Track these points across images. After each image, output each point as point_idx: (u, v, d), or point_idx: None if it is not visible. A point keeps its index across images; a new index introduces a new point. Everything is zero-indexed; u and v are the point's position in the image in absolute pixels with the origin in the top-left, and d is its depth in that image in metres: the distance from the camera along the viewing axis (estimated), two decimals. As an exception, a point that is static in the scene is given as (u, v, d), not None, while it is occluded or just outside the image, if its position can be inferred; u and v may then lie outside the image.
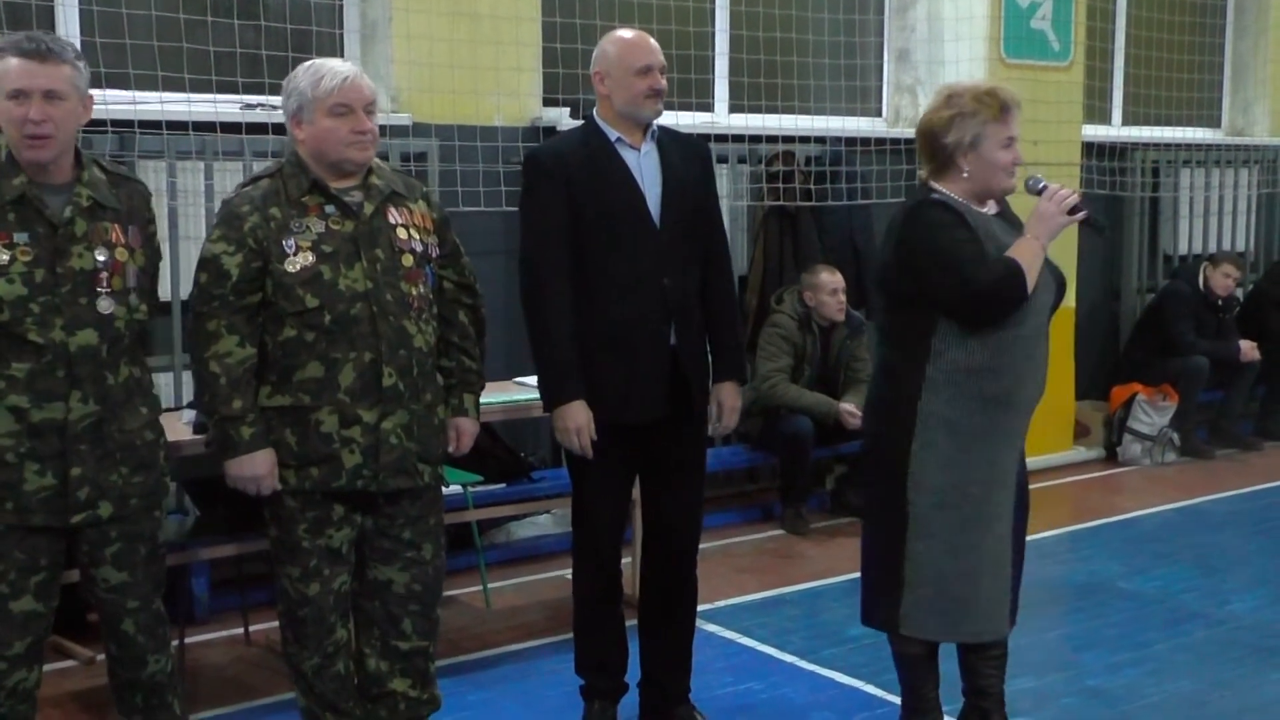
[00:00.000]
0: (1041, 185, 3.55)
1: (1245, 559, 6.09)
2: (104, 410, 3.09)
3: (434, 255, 3.51)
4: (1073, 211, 3.46)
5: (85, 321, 3.03)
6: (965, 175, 3.53)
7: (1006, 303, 3.43)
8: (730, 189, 6.66)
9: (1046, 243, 3.48)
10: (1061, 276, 3.68)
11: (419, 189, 3.61)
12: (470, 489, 5.19)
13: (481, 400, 3.76)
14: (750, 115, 7.17)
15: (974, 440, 3.53)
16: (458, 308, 3.60)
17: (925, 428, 3.53)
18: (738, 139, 6.82)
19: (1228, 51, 9.51)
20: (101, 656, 3.43)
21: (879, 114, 7.80)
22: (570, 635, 4.05)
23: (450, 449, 3.64)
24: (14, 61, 2.97)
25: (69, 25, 5.24)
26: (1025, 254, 3.44)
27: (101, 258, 3.08)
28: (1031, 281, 3.42)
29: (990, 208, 3.63)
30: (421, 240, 3.47)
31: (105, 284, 3.07)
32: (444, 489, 3.75)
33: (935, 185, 3.59)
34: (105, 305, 3.07)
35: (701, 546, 4.09)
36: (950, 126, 3.52)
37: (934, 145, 3.57)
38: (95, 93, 3.28)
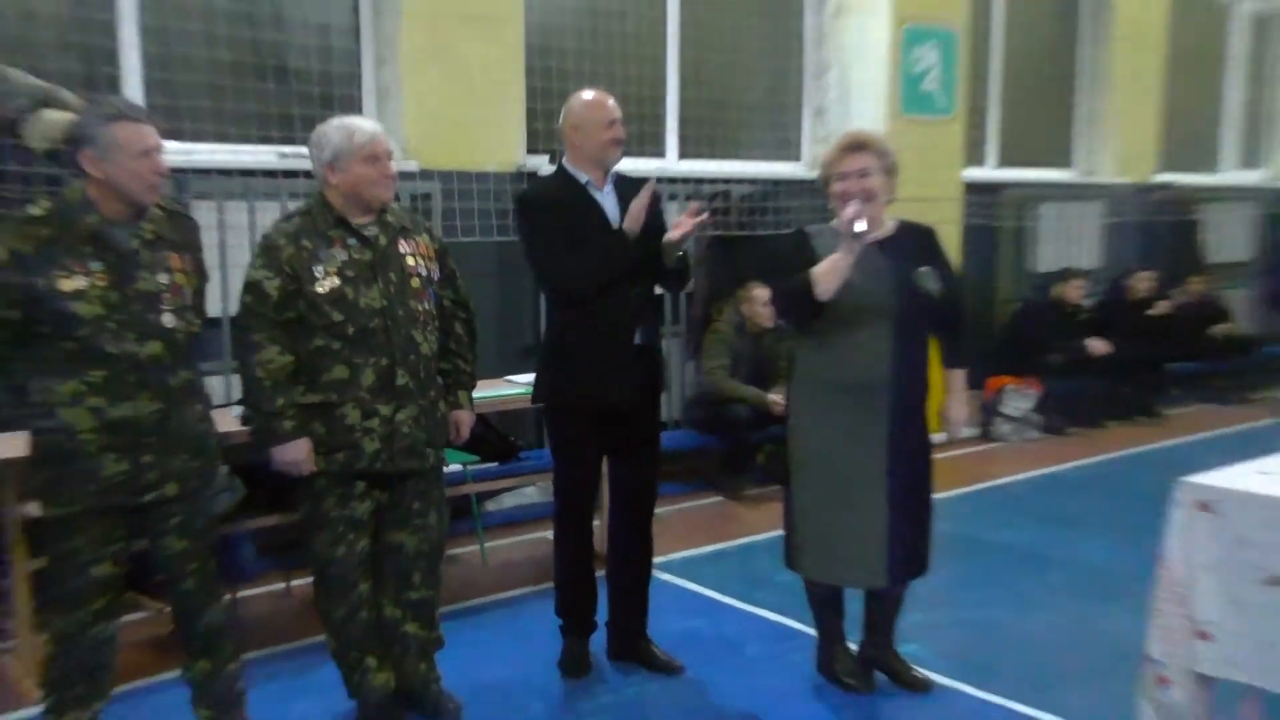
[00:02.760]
0: (852, 211, 3.50)
1: (1093, 515, 6.13)
2: (167, 407, 3.07)
3: (435, 278, 3.52)
4: (855, 235, 3.45)
5: (152, 334, 3.01)
6: (828, 205, 3.67)
7: (796, 304, 3.55)
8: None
9: (846, 258, 3.49)
10: (908, 283, 3.61)
11: (422, 224, 3.63)
12: (468, 467, 5.21)
13: (476, 395, 3.78)
14: (696, 161, 7.23)
15: (823, 415, 3.64)
16: (455, 321, 3.61)
17: (796, 407, 3.73)
18: (686, 180, 6.85)
19: (1079, 107, 9.58)
20: (168, 609, 3.41)
21: (800, 160, 7.82)
22: (551, 585, 4.08)
23: (451, 436, 3.66)
24: (146, 127, 2.98)
25: (135, 90, 5.20)
26: (822, 267, 3.51)
27: (164, 280, 3.06)
28: (826, 288, 3.48)
29: (886, 229, 3.67)
30: (426, 266, 3.48)
31: (167, 302, 3.06)
32: (446, 468, 3.76)
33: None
34: (168, 320, 3.05)
35: (657, 511, 4.10)
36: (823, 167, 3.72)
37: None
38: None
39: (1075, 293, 8.45)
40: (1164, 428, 8.45)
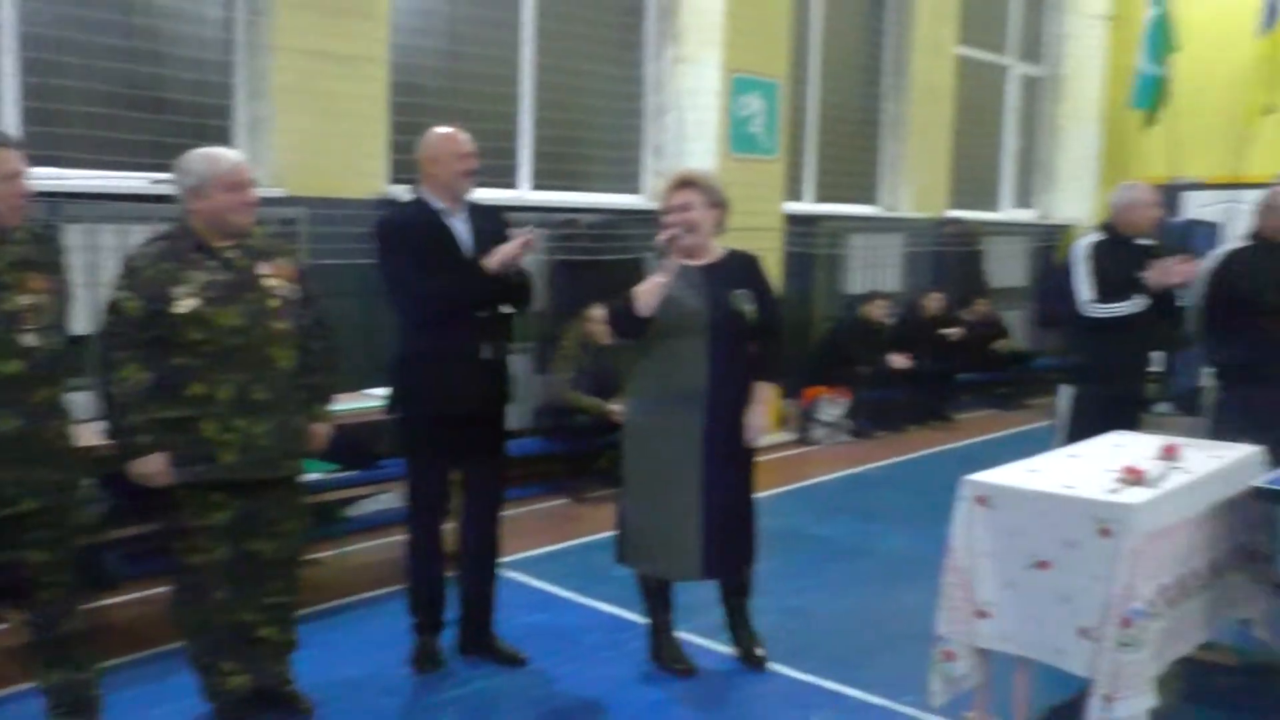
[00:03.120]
0: (665, 237, 3.63)
1: (896, 509, 6.28)
2: (27, 424, 2.86)
3: (295, 299, 3.37)
4: (669, 254, 3.57)
5: (12, 353, 2.81)
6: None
7: (623, 321, 3.60)
8: (531, 246, 6.61)
9: (662, 278, 3.56)
10: (725, 304, 3.66)
11: (284, 247, 3.49)
12: (328, 475, 5.01)
13: (336, 407, 3.64)
14: (548, 191, 7.16)
15: (649, 422, 3.68)
16: (313, 339, 3.46)
17: (628, 415, 3.77)
18: (538, 209, 6.79)
19: (883, 152, 9.87)
20: (24, 619, 3.16)
21: (641, 192, 7.84)
22: (405, 585, 3.94)
23: (310, 447, 3.51)
24: (7, 152, 2.83)
25: (11, 118, 4.89)
26: (642, 286, 3.58)
27: (25, 301, 2.86)
28: (646, 305, 3.54)
29: (714, 255, 3.72)
30: (286, 288, 3.33)
31: (29, 322, 2.86)
32: (306, 477, 3.60)
33: None
34: (30, 339, 2.86)
35: (505, 513, 4.02)
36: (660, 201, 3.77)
37: None
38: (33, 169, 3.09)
39: (879, 312, 8.68)
40: (956, 430, 8.74)
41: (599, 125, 7.57)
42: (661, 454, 3.67)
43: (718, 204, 3.73)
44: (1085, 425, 4.62)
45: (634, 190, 7.80)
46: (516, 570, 4.89)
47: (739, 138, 7.73)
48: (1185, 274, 4.81)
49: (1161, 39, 10.30)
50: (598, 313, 6.42)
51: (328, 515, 5.10)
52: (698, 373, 3.64)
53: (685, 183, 3.72)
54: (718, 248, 3.78)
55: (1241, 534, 3.83)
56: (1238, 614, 3.90)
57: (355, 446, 5.40)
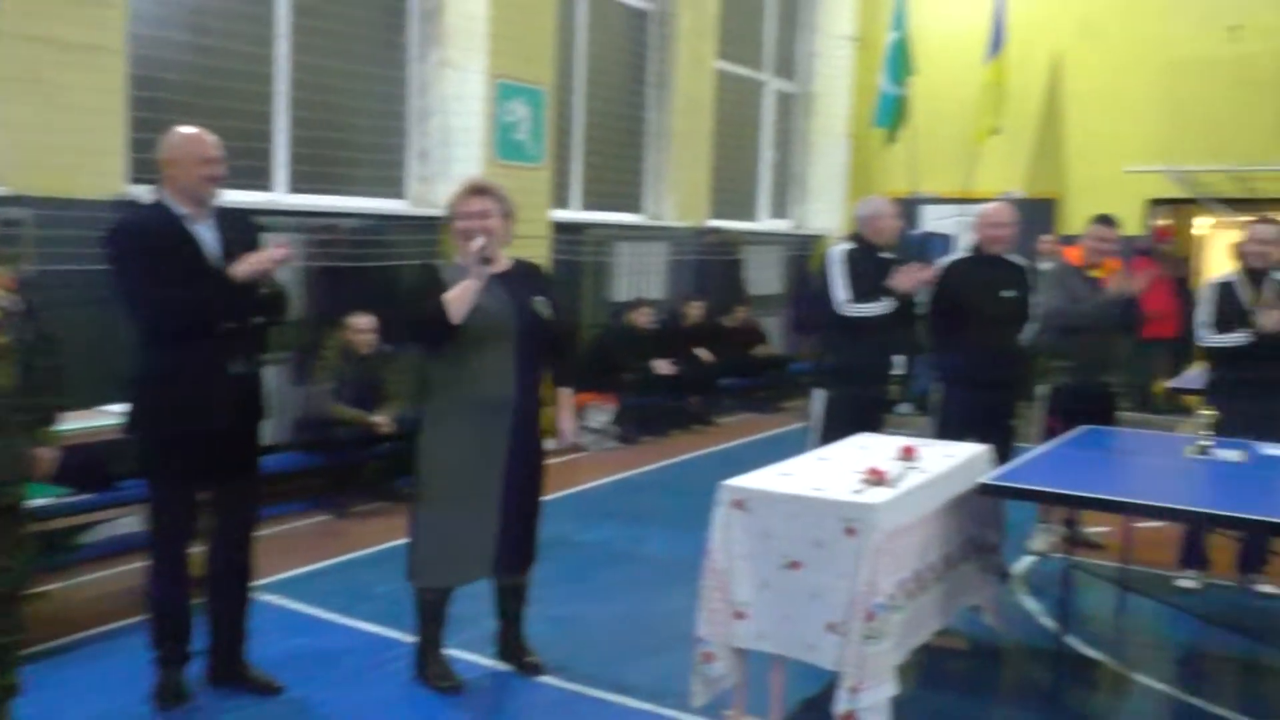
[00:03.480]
0: (479, 243, 3.61)
1: (661, 513, 6.40)
2: None
3: (15, 311, 3.08)
4: (484, 261, 3.58)
5: None
6: (448, 241, 3.72)
7: (432, 329, 3.54)
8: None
9: (475, 284, 3.56)
10: (537, 314, 3.74)
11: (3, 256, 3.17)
12: (57, 500, 4.58)
13: (66, 427, 3.36)
14: (306, 195, 6.89)
15: (454, 431, 3.63)
16: (37, 356, 3.17)
17: (428, 425, 3.67)
18: (296, 213, 6.52)
19: (647, 162, 10.08)
20: None
21: (405, 197, 7.68)
22: (146, 616, 3.67)
23: (35, 471, 3.22)
24: None
25: None
26: (453, 294, 3.55)
27: None
28: (459, 312, 3.53)
29: (505, 264, 3.73)
30: (3, 299, 3.04)
31: None
32: (31, 503, 3.30)
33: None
34: None
35: (261, 532, 3.83)
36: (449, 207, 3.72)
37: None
38: None
39: (644, 319, 8.86)
40: (718, 434, 9.03)
41: (361, 127, 7.35)
42: (466, 463, 3.66)
43: (509, 213, 3.79)
44: (837, 426, 4.89)
45: (398, 195, 7.63)
46: (273, 593, 4.66)
47: (505, 144, 7.70)
48: (924, 278, 5.16)
49: (900, 62, 11.03)
50: (362, 322, 6.28)
51: (58, 543, 4.70)
52: (506, 380, 3.67)
53: (480, 190, 3.73)
54: (504, 257, 3.80)
55: (972, 527, 4.14)
56: (969, 601, 4.22)
57: (89, 468, 5.00)
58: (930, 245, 9.96)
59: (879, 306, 5.09)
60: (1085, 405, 5.29)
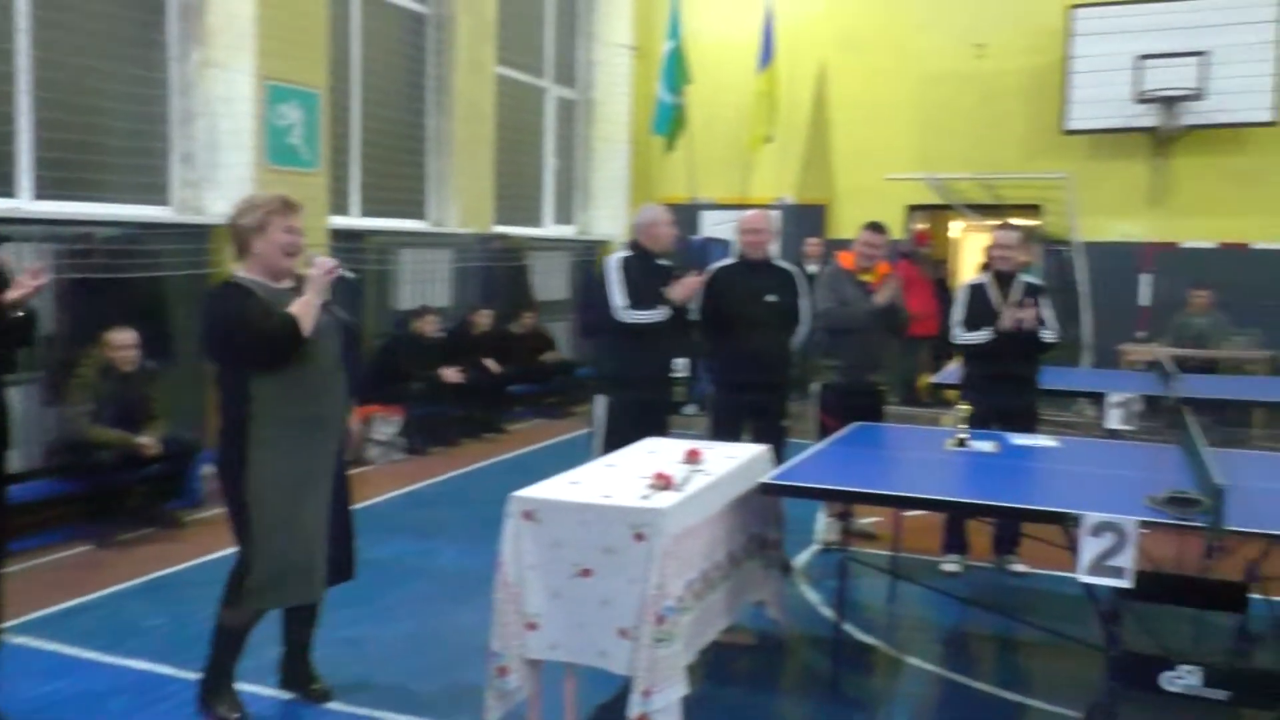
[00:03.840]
0: (317, 259, 3.58)
1: (451, 526, 6.31)
2: None
3: None
4: (330, 272, 3.55)
5: None
6: (256, 255, 3.51)
7: (287, 341, 3.43)
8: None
9: (316, 299, 3.51)
10: (350, 326, 3.77)
11: None
12: None
13: None
14: (55, 202, 6.40)
15: (286, 449, 3.50)
16: None
17: (255, 446, 3.47)
18: (43, 221, 6.04)
19: (429, 167, 9.92)
20: None
21: (169, 204, 7.25)
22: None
23: None
24: None
25: None
26: (299, 308, 3.46)
27: None
28: (306, 327, 3.45)
29: (285, 283, 3.58)
30: None
31: None
32: None
33: (236, 271, 3.56)
34: None
35: (11, 568, 3.52)
36: (243, 215, 3.54)
37: (236, 236, 3.55)
38: None
39: (430, 327, 8.72)
40: (508, 441, 8.98)
41: (117, 129, 6.90)
42: (301, 480, 3.55)
43: None
44: (619, 431, 4.97)
45: (161, 202, 7.20)
46: (27, 634, 4.29)
47: (277, 149, 7.40)
48: (693, 287, 5.28)
49: (677, 71, 11.31)
50: (122, 336, 5.88)
51: None
52: (334, 395, 3.64)
53: (295, 206, 3.59)
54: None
55: (755, 525, 4.29)
56: (754, 597, 4.36)
57: None
58: (710, 251, 10.25)
59: (654, 314, 5.18)
60: (855, 402, 5.58)
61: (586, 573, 3.41)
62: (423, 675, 4.10)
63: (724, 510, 3.90)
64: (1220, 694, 3.48)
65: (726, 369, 5.51)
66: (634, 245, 5.40)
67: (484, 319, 9.43)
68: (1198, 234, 10.38)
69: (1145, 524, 3.34)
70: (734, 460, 4.18)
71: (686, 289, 5.23)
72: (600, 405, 5.30)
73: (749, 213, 5.70)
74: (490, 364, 9.26)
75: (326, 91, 7.89)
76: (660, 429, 4.99)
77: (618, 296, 5.18)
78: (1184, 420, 4.51)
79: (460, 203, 9.96)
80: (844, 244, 6.63)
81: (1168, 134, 10.07)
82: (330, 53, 8.02)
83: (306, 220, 7.26)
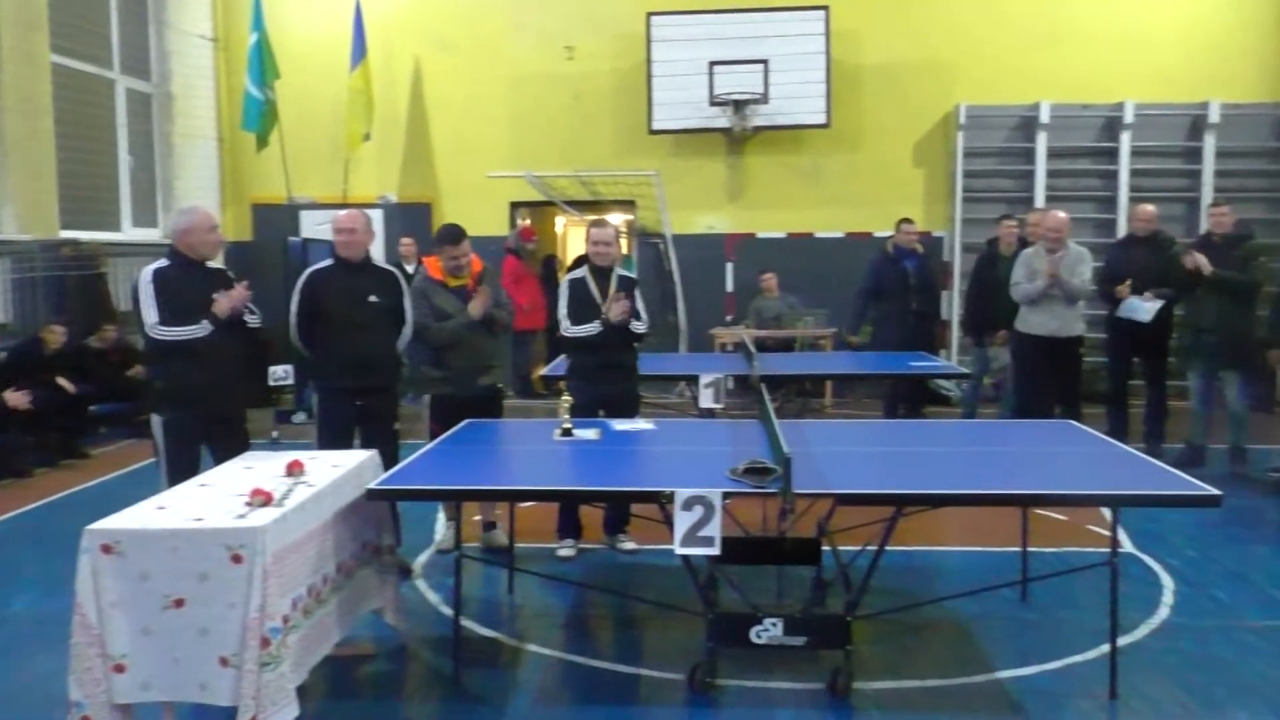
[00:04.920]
0: None
1: (23, 566, 5.67)
2: None
3: None
4: None
5: None
6: None
7: None
8: None
9: None
10: None
11: None
12: None
13: None
14: None
15: None
16: None
17: None
18: None
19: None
20: None
21: None
22: None
23: None
24: None
25: None
26: None
27: None
28: None
29: None
30: None
31: None
32: None
33: None
34: None
35: None
36: None
37: None
38: None
39: (54, 339, 7.81)
40: (92, 467, 8.16)
41: None
42: None
43: None
44: (180, 450, 4.72)
45: None
46: None
47: None
48: (241, 298, 4.91)
49: (264, 64, 10.79)
50: None
51: None
52: None
53: None
54: None
55: (366, 532, 4.20)
56: (371, 606, 4.28)
57: None
58: (311, 253, 9.88)
59: (196, 329, 4.76)
60: (470, 411, 5.40)
61: (179, 603, 3.19)
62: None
63: (331, 521, 3.79)
64: (798, 640, 3.88)
65: (331, 374, 5.31)
66: (173, 253, 4.96)
67: (56, 335, 8.49)
68: (770, 225, 11.45)
69: (728, 494, 3.64)
70: (339, 468, 4.07)
71: (234, 301, 4.84)
72: (156, 426, 4.88)
73: (342, 213, 5.49)
74: (65, 383, 8.36)
75: None
76: (228, 446, 4.71)
77: (150, 313, 4.76)
78: (761, 396, 4.96)
79: (18, 206, 8.88)
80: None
81: (740, 135, 11.01)
82: None
83: None
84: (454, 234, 5.65)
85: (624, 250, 11.20)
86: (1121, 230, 10.42)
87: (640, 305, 5.84)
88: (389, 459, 4.70)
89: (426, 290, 5.66)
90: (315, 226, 10.96)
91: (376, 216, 10.98)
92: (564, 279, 6.02)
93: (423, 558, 5.69)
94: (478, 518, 5.99)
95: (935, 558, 5.68)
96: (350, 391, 5.25)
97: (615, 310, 5.60)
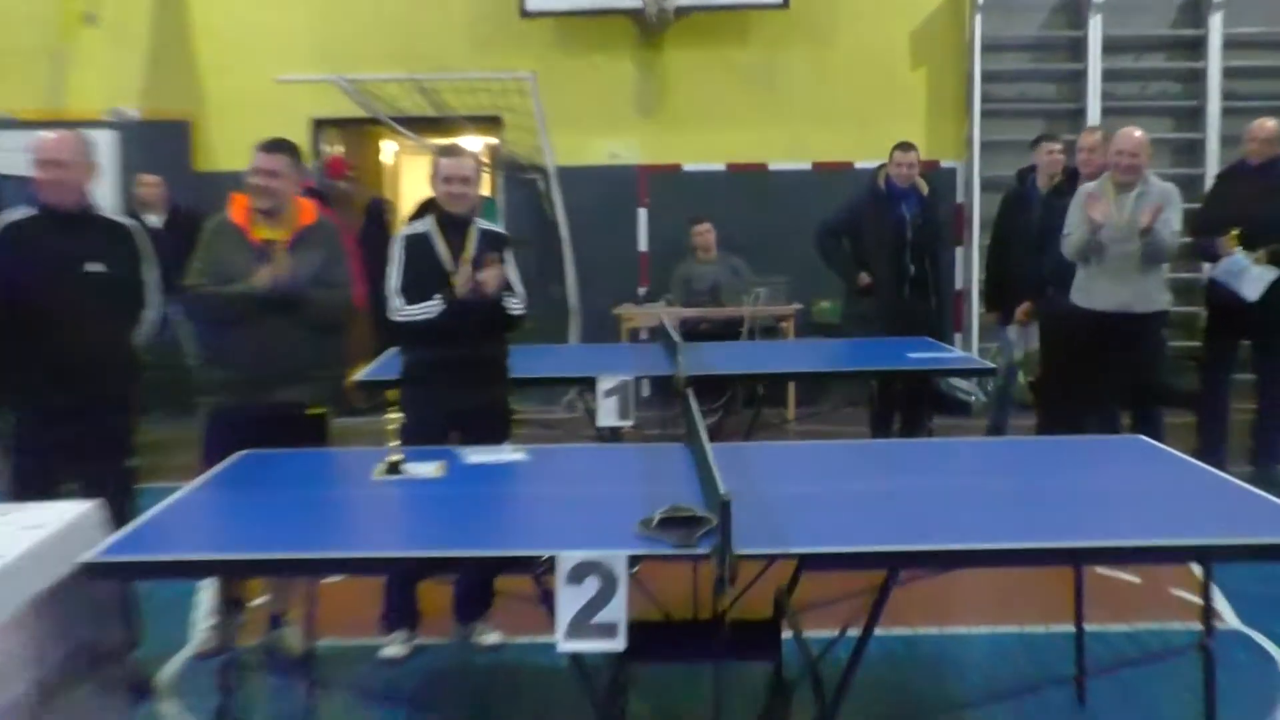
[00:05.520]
0: None
1: None
2: None
3: None
4: None
5: None
6: None
7: None
8: None
9: None
10: None
11: None
12: None
13: None
14: None
15: None
16: None
17: None
18: None
19: None
20: None
21: None
22: None
23: None
24: None
25: None
26: None
27: None
28: None
29: None
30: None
31: None
32: None
33: None
34: None
35: None
36: None
37: None
38: None
39: None
40: None
41: None
42: None
43: None
44: None
45: None
46: None
47: None
48: None
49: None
50: None
51: None
52: None
53: None
54: None
55: (82, 629, 4.02)
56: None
57: None
58: (5, 193, 9.59)
59: None
60: (262, 439, 5.20)
61: None
62: None
63: (21, 617, 3.62)
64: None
65: (27, 386, 5.13)
66: None
67: None
68: (703, 154, 11.47)
69: (637, 558, 3.55)
70: (36, 532, 3.89)
71: None
72: None
73: (48, 135, 5.34)
74: None
75: None
76: None
77: None
78: (689, 407, 4.89)
79: None
80: (231, 178, 6.22)
81: (657, 17, 10.96)
82: None
83: None
84: (273, 143, 5.57)
85: (486, 191, 11.08)
86: (1212, 156, 10.63)
87: (513, 273, 5.76)
88: (120, 514, 4.52)
89: (217, 237, 5.51)
90: (10, 155, 10.65)
91: (104, 141, 10.70)
92: (397, 235, 5.90)
93: (173, 666, 5.55)
94: (261, 600, 5.84)
95: (949, 644, 5.71)
96: (58, 412, 5.09)
97: (475, 280, 5.51)
